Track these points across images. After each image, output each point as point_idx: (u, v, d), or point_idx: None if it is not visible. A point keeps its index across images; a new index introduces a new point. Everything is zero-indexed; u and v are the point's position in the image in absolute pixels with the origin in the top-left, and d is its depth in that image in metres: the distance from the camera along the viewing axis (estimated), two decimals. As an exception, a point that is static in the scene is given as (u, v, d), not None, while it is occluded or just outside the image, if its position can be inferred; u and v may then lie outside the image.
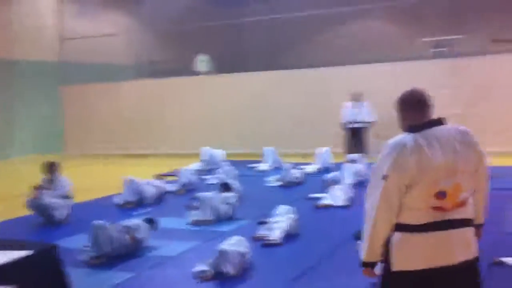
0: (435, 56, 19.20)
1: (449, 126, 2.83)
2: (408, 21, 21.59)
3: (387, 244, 2.78)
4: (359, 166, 9.92)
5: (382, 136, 13.02)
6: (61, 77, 17.64)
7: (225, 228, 7.05)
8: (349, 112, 12.94)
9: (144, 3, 17.06)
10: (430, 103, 2.87)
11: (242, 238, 5.70)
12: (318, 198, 8.28)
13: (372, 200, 2.75)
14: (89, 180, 11.69)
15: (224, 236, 6.23)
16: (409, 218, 2.72)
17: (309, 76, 14.97)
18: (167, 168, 12.34)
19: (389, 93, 14.93)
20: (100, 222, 5.97)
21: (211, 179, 10.33)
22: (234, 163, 10.35)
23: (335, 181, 8.86)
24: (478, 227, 2.95)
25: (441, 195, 2.68)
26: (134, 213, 8.12)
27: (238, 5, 18.18)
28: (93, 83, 17.50)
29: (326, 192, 8.31)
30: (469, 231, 2.81)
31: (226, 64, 20.50)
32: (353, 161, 10.07)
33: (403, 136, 2.77)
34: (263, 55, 20.02)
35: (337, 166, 10.34)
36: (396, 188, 2.69)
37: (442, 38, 20.34)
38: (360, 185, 9.42)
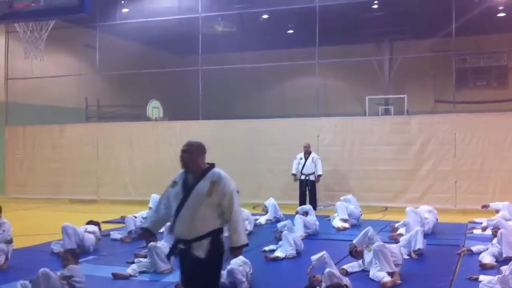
0: (383, 113, 19.83)
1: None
2: (357, 79, 22.34)
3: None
4: (309, 218, 9.90)
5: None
6: (6, 118, 17.11)
7: (171, 278, 6.80)
8: (300, 163, 13.10)
9: (95, 47, 16.92)
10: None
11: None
12: (270, 251, 8.16)
13: None
14: (29, 225, 11.16)
15: (170, 286, 6.02)
16: None
17: (258, 126, 14.95)
18: (113, 215, 11.94)
19: (335, 146, 15.00)
20: (46, 270, 5.61)
21: (159, 227, 10.04)
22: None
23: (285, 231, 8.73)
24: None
25: None
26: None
27: (191, 53, 18.34)
28: (38, 124, 17.01)
29: (278, 244, 8.20)
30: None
31: (178, 111, 20.47)
32: (305, 213, 10.02)
33: (219, 170, 4.50)
34: (214, 104, 20.10)
35: (289, 218, 10.25)
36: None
37: (389, 96, 21.07)
38: (310, 237, 9.43)
